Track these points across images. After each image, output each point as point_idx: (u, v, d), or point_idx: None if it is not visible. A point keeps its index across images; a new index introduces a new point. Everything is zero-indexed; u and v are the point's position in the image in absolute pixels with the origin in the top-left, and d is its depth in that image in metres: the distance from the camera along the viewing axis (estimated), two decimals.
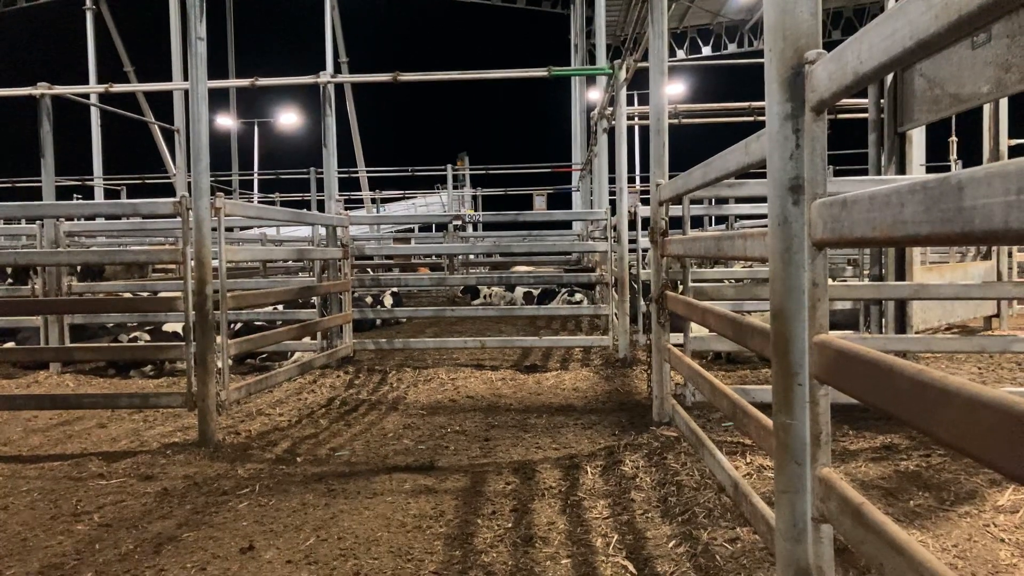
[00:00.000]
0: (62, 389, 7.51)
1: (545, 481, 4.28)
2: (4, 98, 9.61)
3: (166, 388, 7.32)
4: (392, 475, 4.47)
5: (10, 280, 10.30)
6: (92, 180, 20.45)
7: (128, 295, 9.31)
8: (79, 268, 9.47)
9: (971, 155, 9.74)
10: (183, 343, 5.38)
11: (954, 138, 9.43)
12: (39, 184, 9.02)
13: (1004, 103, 8.52)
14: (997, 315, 9.22)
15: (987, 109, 8.52)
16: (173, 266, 11.37)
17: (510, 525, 3.61)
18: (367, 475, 4.47)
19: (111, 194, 21.79)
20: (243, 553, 3.35)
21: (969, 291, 5.85)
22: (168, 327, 8.58)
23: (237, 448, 5.13)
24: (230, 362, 5.48)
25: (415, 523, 3.67)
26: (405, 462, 4.74)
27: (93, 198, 20.93)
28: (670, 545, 3.25)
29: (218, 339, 5.40)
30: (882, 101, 6.29)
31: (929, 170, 7.47)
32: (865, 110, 7.20)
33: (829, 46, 1.94)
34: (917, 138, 6.37)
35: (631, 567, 3.08)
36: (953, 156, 9.54)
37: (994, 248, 8.86)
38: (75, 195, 21.23)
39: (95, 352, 7.24)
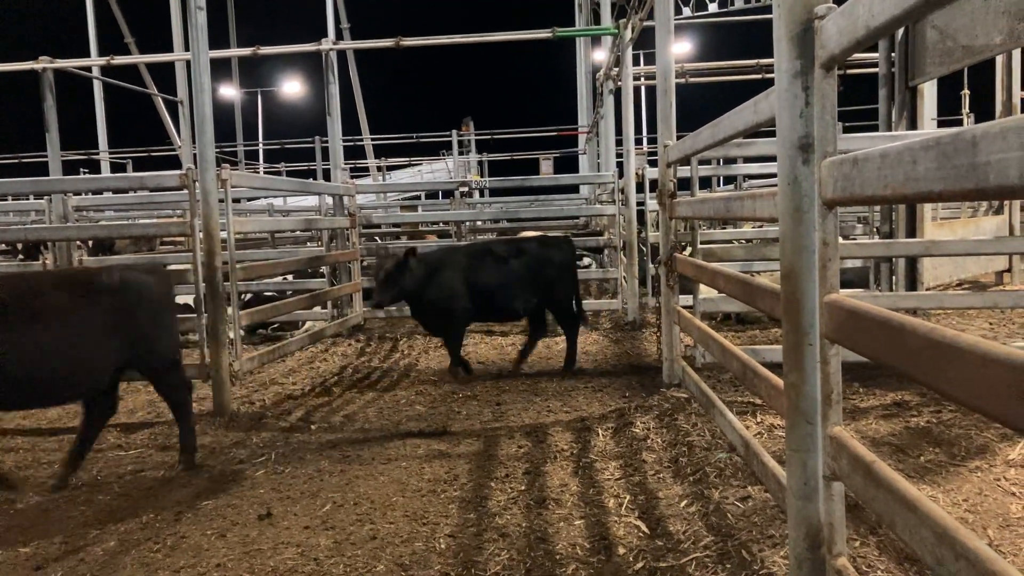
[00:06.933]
0: None
1: (557, 444, 4.32)
2: (6, 73, 9.56)
3: None
4: (406, 441, 4.52)
5: (21, 256, 10.34)
6: (98, 154, 20.40)
7: None
8: (89, 242, 9.50)
9: (983, 108, 9.57)
10: (194, 315, 5.41)
11: (966, 91, 9.25)
12: (45, 159, 9.03)
13: (1017, 54, 8.33)
14: (1009, 270, 9.15)
15: (1000, 60, 8.35)
16: (182, 239, 11.40)
17: (523, 488, 3.65)
18: (381, 441, 4.53)
19: (117, 168, 21.73)
20: (261, 520, 3.41)
21: (981, 247, 5.82)
22: (179, 299, 8.62)
23: (252, 417, 5.19)
24: (242, 333, 5.52)
25: (430, 487, 3.72)
26: (418, 428, 4.79)
27: (99, 172, 20.91)
28: (682, 504, 3.29)
29: (229, 310, 5.43)
30: (893, 55, 6.17)
31: (941, 125, 7.35)
32: (875, 64, 7.07)
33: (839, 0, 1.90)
34: (929, 92, 6.25)
35: (643, 527, 3.12)
36: (965, 110, 9.36)
37: (1006, 203, 8.77)
38: (81, 169, 21.18)
39: None
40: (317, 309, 8.42)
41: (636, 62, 15.84)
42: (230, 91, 26.90)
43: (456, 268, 6.05)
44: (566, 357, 6.35)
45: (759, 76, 12.31)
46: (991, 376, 1.25)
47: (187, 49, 5.92)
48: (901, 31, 5.95)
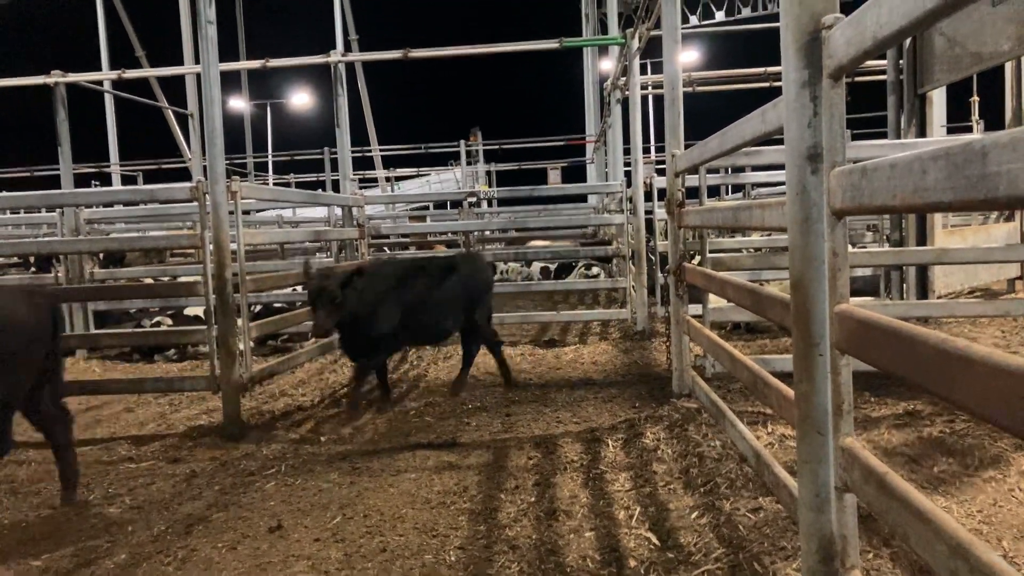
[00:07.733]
0: (89, 375, 7.63)
1: (567, 455, 4.30)
2: (19, 88, 9.67)
3: (190, 372, 7.41)
4: (415, 452, 4.51)
5: (34, 269, 10.42)
6: (109, 167, 20.57)
7: (149, 281, 9.40)
8: (101, 255, 9.55)
9: (993, 114, 9.52)
10: (204, 327, 5.43)
11: (975, 97, 9.20)
12: (57, 172, 9.10)
13: None
14: (1021, 278, 9.08)
15: (1009, 67, 8.32)
16: (192, 250, 11.46)
17: (533, 499, 3.64)
18: (391, 453, 4.52)
19: (128, 180, 21.94)
20: (272, 532, 3.41)
21: (992, 254, 5.77)
22: (189, 311, 8.67)
23: (262, 429, 5.20)
24: (251, 344, 5.54)
25: (439, 499, 3.71)
26: (428, 439, 4.78)
27: (110, 185, 21.08)
28: (693, 516, 3.27)
29: (239, 322, 5.45)
30: (901, 62, 6.17)
31: (950, 131, 7.33)
32: (883, 72, 7.05)
33: (846, 9, 1.90)
34: (937, 99, 6.25)
35: (654, 539, 3.10)
36: (975, 116, 9.31)
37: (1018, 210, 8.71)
38: (93, 182, 21.36)
39: (120, 338, 7.34)
40: None
41: (643, 71, 15.85)
42: (240, 103, 27.09)
43: (394, 287, 5.59)
44: (459, 374, 6.18)
45: (767, 84, 12.32)
46: (1002, 387, 1.24)
47: (197, 62, 5.98)
48: (909, 39, 5.95)
